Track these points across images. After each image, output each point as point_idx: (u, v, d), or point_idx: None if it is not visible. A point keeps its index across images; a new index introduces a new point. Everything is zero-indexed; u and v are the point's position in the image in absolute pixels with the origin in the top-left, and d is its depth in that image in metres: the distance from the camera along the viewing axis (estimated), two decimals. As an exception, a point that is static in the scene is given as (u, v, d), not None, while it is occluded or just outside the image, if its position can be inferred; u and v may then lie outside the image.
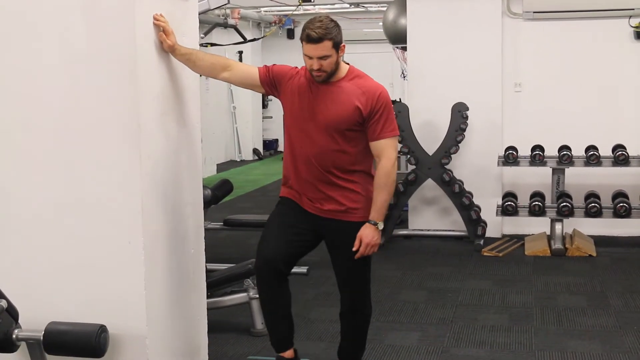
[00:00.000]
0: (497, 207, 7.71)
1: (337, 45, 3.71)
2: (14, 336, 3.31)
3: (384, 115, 3.78)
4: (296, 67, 3.93)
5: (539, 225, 7.91)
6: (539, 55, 8.23)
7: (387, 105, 3.81)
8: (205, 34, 11.24)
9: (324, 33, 3.65)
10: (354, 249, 3.78)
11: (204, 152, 7.74)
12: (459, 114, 7.73)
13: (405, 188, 7.96)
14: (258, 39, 11.24)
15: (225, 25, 12.26)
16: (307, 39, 3.67)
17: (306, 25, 3.71)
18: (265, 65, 3.95)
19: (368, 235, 3.77)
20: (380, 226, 3.80)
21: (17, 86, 3.63)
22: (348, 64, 3.89)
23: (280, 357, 3.99)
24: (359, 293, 4.00)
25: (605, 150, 7.59)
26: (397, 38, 9.35)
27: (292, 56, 6.24)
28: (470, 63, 8.09)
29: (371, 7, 13.62)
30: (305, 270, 5.77)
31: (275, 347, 4.00)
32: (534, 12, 8.11)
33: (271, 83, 3.89)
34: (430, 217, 8.39)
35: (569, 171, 7.72)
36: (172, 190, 3.91)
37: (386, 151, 3.79)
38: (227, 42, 11.19)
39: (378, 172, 3.81)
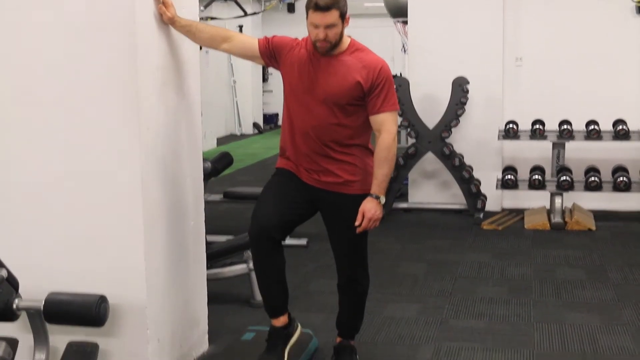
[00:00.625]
0: (497, 181, 7.72)
1: (343, 16, 3.69)
2: (14, 306, 3.32)
3: (384, 89, 3.76)
4: (296, 39, 3.91)
5: (538, 199, 7.92)
6: (540, 30, 8.20)
7: (388, 79, 3.79)
8: (205, 7, 11.20)
9: (332, 2, 3.63)
10: (357, 223, 3.78)
11: (204, 126, 7.71)
12: (460, 87, 7.72)
13: (405, 161, 7.97)
14: (258, 12, 11.19)
15: (225, -2, 12.21)
16: (315, 7, 3.64)
17: None
18: (266, 37, 3.93)
19: (370, 210, 3.77)
20: (382, 200, 3.80)
21: (17, 58, 3.63)
22: (349, 37, 3.87)
23: (273, 327, 4.02)
24: (356, 264, 4.01)
25: (605, 125, 7.58)
26: (398, 12, 9.33)
27: (292, 30, 6.19)
28: (471, 37, 8.05)
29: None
30: (305, 243, 5.80)
31: (269, 313, 4.01)
32: (536, -14, 8.09)
33: (271, 54, 3.88)
34: (430, 190, 8.39)
35: (569, 145, 7.72)
36: (171, 162, 3.91)
37: (387, 125, 3.78)
38: (227, 16, 11.14)
39: (379, 146, 3.80)
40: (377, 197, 3.78)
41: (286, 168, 3.92)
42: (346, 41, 3.81)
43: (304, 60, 3.80)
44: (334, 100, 3.74)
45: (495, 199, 8.09)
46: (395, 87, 3.88)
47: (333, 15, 3.64)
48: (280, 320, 4.01)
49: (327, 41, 3.68)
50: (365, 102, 3.76)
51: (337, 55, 3.77)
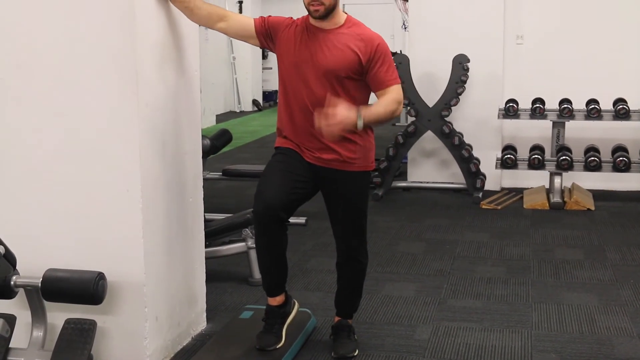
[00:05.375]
0: (497, 160, 7.70)
1: None
2: (12, 282, 3.33)
3: (385, 63, 3.73)
4: (291, 18, 3.89)
5: (538, 179, 7.91)
6: (542, 8, 8.14)
7: (387, 54, 3.77)
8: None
9: None
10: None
11: (203, 103, 7.70)
12: (460, 65, 7.68)
13: (404, 140, 7.94)
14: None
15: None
16: None
17: None
18: (261, 16, 3.91)
19: (344, 114, 3.54)
20: (360, 123, 3.58)
21: (14, 33, 3.59)
22: (346, 13, 3.85)
23: (269, 306, 4.02)
24: (356, 242, 3.99)
25: (606, 104, 7.55)
26: (399, -12, 9.26)
27: (292, 7, 6.13)
28: (472, 14, 8.00)
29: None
30: (303, 221, 5.78)
31: (267, 291, 4.02)
32: (537, -38, 8.03)
33: (267, 33, 3.85)
34: (430, 169, 8.37)
35: (569, 124, 7.70)
36: (170, 138, 3.89)
37: (394, 94, 3.72)
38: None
39: (387, 96, 3.71)
40: (359, 116, 3.59)
41: (288, 147, 3.89)
42: (343, 17, 3.79)
43: (302, 36, 3.78)
44: (334, 73, 3.71)
45: (495, 178, 8.08)
46: (395, 64, 3.85)
47: None
48: (277, 300, 4.01)
49: (322, 3, 3.65)
50: (364, 77, 3.74)
51: (334, 29, 3.75)
